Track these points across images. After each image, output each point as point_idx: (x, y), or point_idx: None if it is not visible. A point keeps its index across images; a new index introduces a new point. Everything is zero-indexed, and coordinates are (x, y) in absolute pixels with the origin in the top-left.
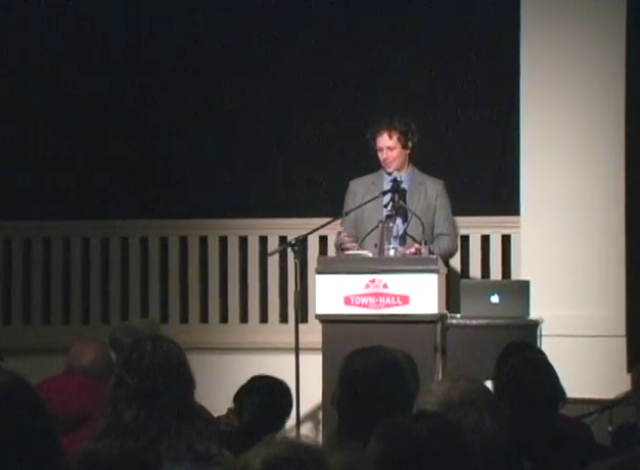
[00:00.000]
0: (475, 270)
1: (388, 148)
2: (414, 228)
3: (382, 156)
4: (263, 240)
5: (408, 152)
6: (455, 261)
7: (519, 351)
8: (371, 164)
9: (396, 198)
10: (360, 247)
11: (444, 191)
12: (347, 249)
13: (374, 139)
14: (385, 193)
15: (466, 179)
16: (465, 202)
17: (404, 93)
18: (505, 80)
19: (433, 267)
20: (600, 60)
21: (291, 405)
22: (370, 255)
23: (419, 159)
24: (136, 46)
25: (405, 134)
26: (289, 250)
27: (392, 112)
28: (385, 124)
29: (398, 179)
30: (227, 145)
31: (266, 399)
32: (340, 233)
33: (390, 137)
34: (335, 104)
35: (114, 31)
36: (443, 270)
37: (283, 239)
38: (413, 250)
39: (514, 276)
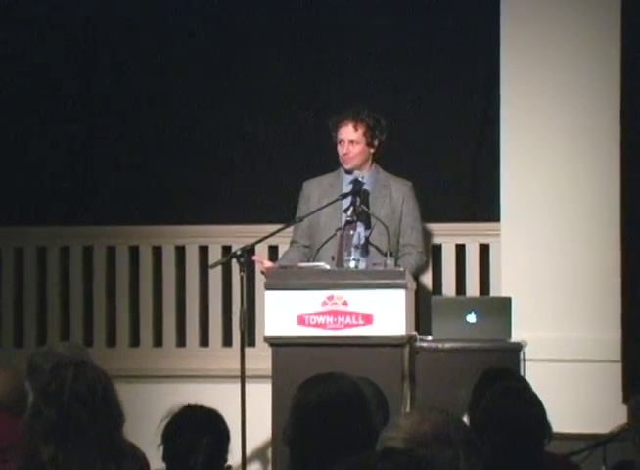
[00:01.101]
0: (448, 285)
1: (351, 142)
2: (378, 237)
3: (341, 150)
4: (203, 250)
5: (372, 151)
6: (426, 275)
7: (498, 378)
8: (329, 162)
9: (358, 201)
10: (316, 258)
11: (412, 194)
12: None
13: (335, 130)
14: (344, 196)
15: (437, 181)
16: (436, 206)
17: (369, 85)
18: (483, 71)
19: (400, 282)
20: (591, 47)
21: (227, 440)
22: (327, 267)
23: (384, 157)
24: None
25: (372, 130)
26: (233, 261)
27: (353, 106)
28: (351, 114)
29: (360, 180)
30: (161, 143)
31: (196, 435)
32: (260, 261)
33: (356, 130)
34: (287, 98)
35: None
36: (412, 285)
37: (226, 249)
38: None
39: (493, 292)
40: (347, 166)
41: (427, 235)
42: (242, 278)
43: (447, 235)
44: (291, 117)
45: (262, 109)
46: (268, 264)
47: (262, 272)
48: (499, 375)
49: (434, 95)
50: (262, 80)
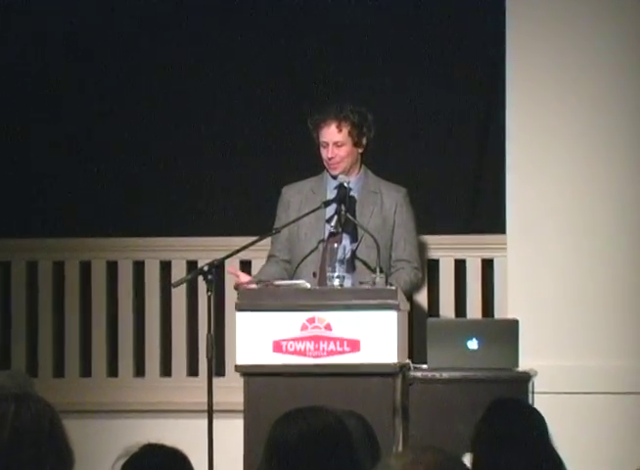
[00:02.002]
0: (446, 306)
1: (336, 144)
2: (366, 250)
3: (326, 154)
4: (165, 266)
5: (361, 151)
6: (421, 295)
7: (507, 412)
8: (311, 164)
9: (343, 210)
10: (295, 275)
11: (406, 202)
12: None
13: (317, 131)
14: (328, 203)
15: (434, 187)
16: (433, 216)
17: (360, 83)
18: (485, 67)
19: (391, 302)
20: (607, 39)
21: None
22: (308, 285)
23: (374, 161)
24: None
25: (359, 127)
26: (199, 279)
27: (334, 102)
28: (333, 112)
29: (346, 185)
30: (116, 146)
31: None
32: (236, 274)
33: (340, 130)
34: (265, 92)
35: None
36: (405, 306)
37: (192, 264)
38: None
39: (498, 314)
40: (335, 172)
41: (422, 249)
42: (209, 298)
43: (446, 249)
44: (267, 114)
45: (232, 104)
46: (245, 278)
47: (236, 288)
48: (508, 408)
49: (430, 93)
50: (229, 75)
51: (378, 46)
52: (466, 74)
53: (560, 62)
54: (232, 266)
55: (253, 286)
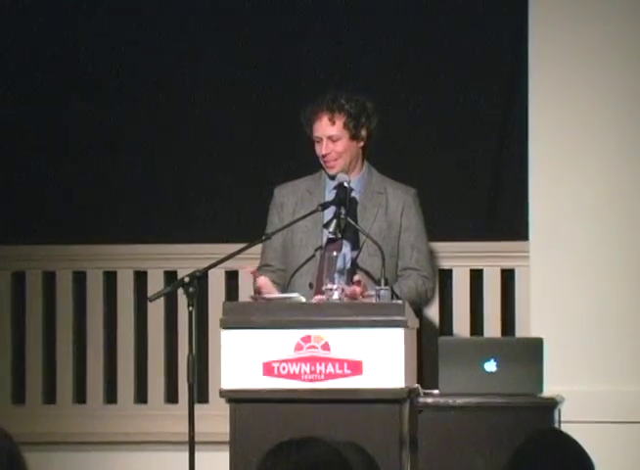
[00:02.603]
0: (461, 323)
1: (330, 139)
2: (369, 259)
3: (320, 150)
4: (140, 277)
5: (361, 145)
6: (431, 310)
7: (546, 447)
8: (307, 163)
9: (343, 213)
10: (289, 286)
11: (415, 204)
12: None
13: (310, 125)
14: (326, 206)
15: (447, 188)
16: (447, 221)
17: (365, 72)
18: (506, 55)
19: (397, 319)
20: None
21: None
22: (303, 299)
23: (379, 160)
24: None
25: (356, 117)
26: (179, 292)
27: (334, 93)
28: (325, 103)
29: (346, 185)
30: (86, 143)
31: None
32: (256, 275)
33: (333, 122)
34: (254, 79)
35: None
36: (413, 323)
37: (170, 275)
38: (357, 290)
39: (519, 332)
40: (333, 171)
41: (433, 257)
42: (190, 314)
43: (460, 257)
44: (256, 111)
45: (216, 102)
46: (264, 283)
47: (257, 293)
48: (549, 442)
49: (442, 86)
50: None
51: (382, 24)
52: (484, 65)
53: (586, 46)
54: (218, 281)
55: (274, 294)
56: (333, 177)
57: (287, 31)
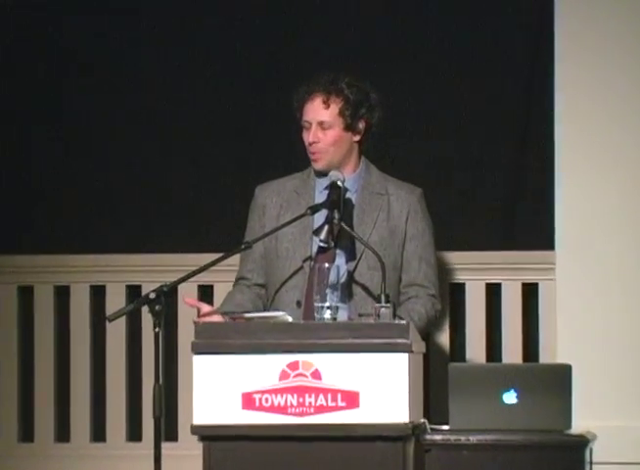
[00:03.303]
0: (475, 346)
1: (321, 125)
2: (367, 272)
3: (307, 138)
4: (98, 292)
5: (357, 139)
6: (441, 332)
7: None
8: (294, 158)
9: (336, 218)
10: (273, 304)
11: (422, 207)
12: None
13: (300, 107)
14: (315, 209)
15: (461, 189)
16: (459, 227)
17: (371, 56)
18: (527, 42)
19: (401, 342)
20: None
21: None
22: (289, 319)
23: (382, 157)
24: None
25: (355, 106)
26: (144, 310)
27: (336, 74)
28: (322, 84)
29: (340, 185)
30: (36, 146)
31: None
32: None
33: (327, 106)
34: (236, 66)
35: None
36: (419, 347)
37: (133, 291)
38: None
39: (544, 358)
40: (317, 165)
41: (443, 270)
42: (157, 336)
43: (474, 269)
44: (235, 104)
45: (183, 97)
46: (207, 309)
47: (196, 323)
48: None
49: (459, 81)
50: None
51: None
52: (503, 61)
53: (617, 40)
54: (190, 296)
55: (218, 319)
56: (324, 175)
57: (276, 25)
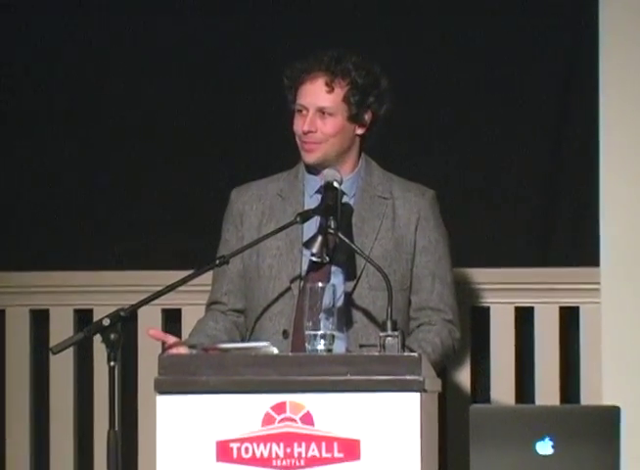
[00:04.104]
0: (502, 384)
1: (321, 111)
2: (369, 293)
3: (301, 125)
4: (39, 317)
5: (360, 132)
6: (460, 366)
7: None
8: (272, 158)
9: (332, 227)
10: (254, 334)
11: (435, 213)
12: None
13: (294, 87)
14: (306, 217)
15: (484, 193)
16: (482, 239)
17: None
18: (567, 33)
19: (411, 379)
20: None
21: None
22: (275, 350)
23: (390, 156)
24: None
25: (363, 93)
26: (96, 339)
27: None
28: (325, 62)
29: (336, 186)
30: None
31: None
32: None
33: (331, 89)
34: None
35: None
36: (434, 385)
37: (83, 315)
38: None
39: (586, 398)
40: (309, 158)
41: (463, 290)
42: (112, 371)
43: (502, 290)
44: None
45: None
46: (173, 341)
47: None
48: None
49: (488, 69)
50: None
51: None
52: (539, 54)
53: None
54: (153, 323)
55: (185, 352)
56: (316, 173)
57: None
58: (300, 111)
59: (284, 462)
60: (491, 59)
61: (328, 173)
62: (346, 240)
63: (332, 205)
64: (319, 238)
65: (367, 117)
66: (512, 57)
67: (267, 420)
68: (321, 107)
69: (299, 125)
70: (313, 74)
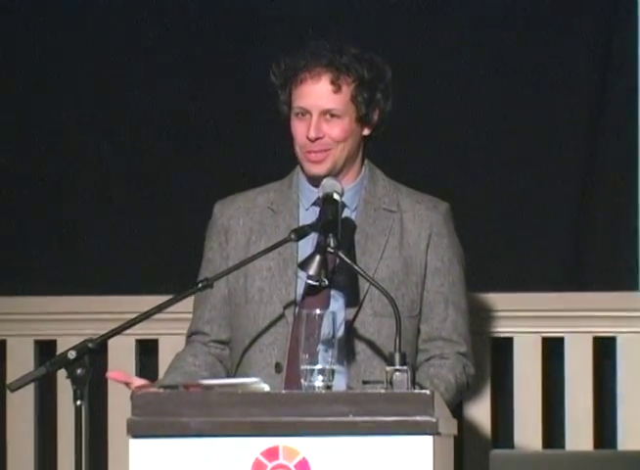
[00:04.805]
0: (527, 426)
1: (328, 114)
2: (374, 321)
3: (302, 131)
4: None
5: (367, 133)
6: (479, 407)
7: None
8: (267, 169)
9: (331, 244)
10: (240, 368)
11: (449, 229)
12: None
13: (288, 86)
14: (301, 233)
15: (506, 208)
16: (504, 260)
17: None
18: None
19: (423, 419)
20: None
21: None
22: (266, 387)
23: (396, 162)
24: None
25: (370, 88)
26: (60, 374)
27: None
28: (327, 56)
29: (337, 198)
30: None
31: None
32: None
33: (337, 88)
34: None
35: None
36: (449, 427)
37: (46, 347)
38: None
39: (623, 442)
40: (319, 169)
41: (483, 319)
42: (79, 411)
43: (525, 318)
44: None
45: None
46: (139, 384)
47: (134, 393)
48: None
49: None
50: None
51: None
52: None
53: None
54: (116, 371)
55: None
56: (314, 184)
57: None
58: (301, 115)
59: None
60: (520, 75)
61: (326, 183)
62: (348, 260)
63: (331, 219)
64: (317, 258)
65: (375, 115)
66: (540, 74)
67: (257, 468)
68: (328, 109)
69: (303, 132)
70: (314, 72)
